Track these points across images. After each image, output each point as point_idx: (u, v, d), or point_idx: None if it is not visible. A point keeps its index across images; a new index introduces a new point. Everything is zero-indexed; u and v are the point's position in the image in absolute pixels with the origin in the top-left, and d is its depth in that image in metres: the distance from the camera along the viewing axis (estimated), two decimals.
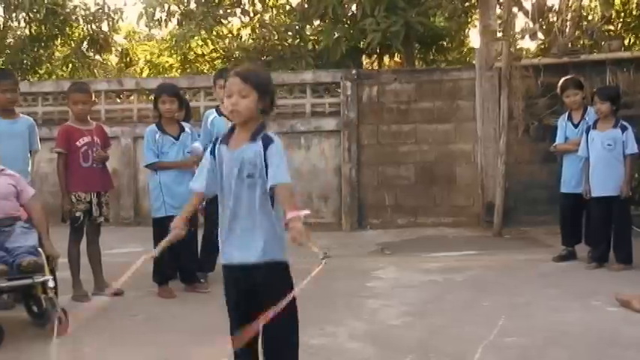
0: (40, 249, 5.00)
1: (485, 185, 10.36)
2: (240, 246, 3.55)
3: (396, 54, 14.31)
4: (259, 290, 3.54)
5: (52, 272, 5.17)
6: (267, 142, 3.50)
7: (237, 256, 3.57)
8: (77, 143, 6.20)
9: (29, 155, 6.25)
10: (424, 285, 6.59)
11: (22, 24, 16.14)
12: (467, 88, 10.62)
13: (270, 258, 3.52)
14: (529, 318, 5.31)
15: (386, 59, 14.96)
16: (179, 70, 15.52)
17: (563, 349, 4.54)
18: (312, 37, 13.88)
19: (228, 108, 3.56)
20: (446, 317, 5.40)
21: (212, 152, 3.67)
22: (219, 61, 13.88)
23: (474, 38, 17.71)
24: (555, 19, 10.89)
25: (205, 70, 14.74)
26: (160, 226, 6.12)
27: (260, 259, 3.51)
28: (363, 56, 14.48)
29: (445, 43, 14.94)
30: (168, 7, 14.36)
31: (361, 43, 12.97)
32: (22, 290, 5.20)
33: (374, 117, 10.86)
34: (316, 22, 13.92)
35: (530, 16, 10.92)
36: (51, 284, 4.91)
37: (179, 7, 14.35)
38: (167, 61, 16.46)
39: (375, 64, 14.91)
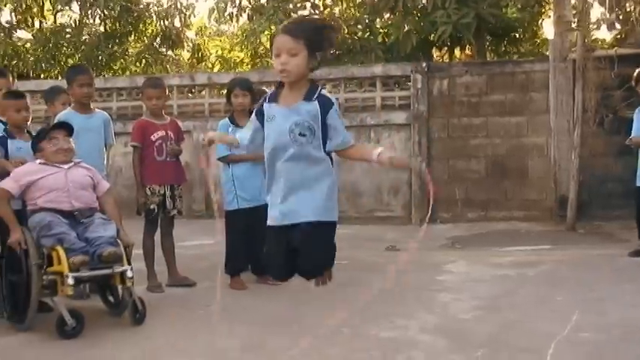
0: (117, 239, 5.10)
1: (559, 179, 10.20)
2: (288, 206, 3.46)
3: (467, 46, 14.16)
4: (305, 249, 3.46)
5: (129, 262, 5.31)
6: (325, 104, 3.40)
7: (284, 216, 3.48)
8: (152, 137, 6.32)
9: (104, 149, 6.38)
10: (495, 279, 6.52)
11: (97, 21, 16.54)
12: (540, 80, 10.47)
13: (319, 218, 3.43)
14: (603, 314, 5.20)
15: (457, 52, 14.82)
16: (249, 65, 15.65)
17: (639, 346, 4.45)
18: (382, 30, 13.85)
19: (277, 68, 3.39)
20: (518, 312, 5.33)
21: (257, 113, 3.56)
22: None
23: (548, 29, 17.43)
24: (633, 8, 10.63)
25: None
26: (233, 220, 6.22)
27: (309, 219, 3.41)
28: (434, 49, 14.38)
29: (517, 34, 14.71)
30: (239, 3, 14.53)
31: (432, 35, 12.87)
32: (99, 280, 5.35)
33: (444, 110, 10.79)
34: (386, 15, 13.87)
35: (606, 6, 10.68)
36: (129, 274, 5.00)
37: (249, 2, 14.49)
38: (238, 56, 16.65)
39: (446, 56, 14.79)
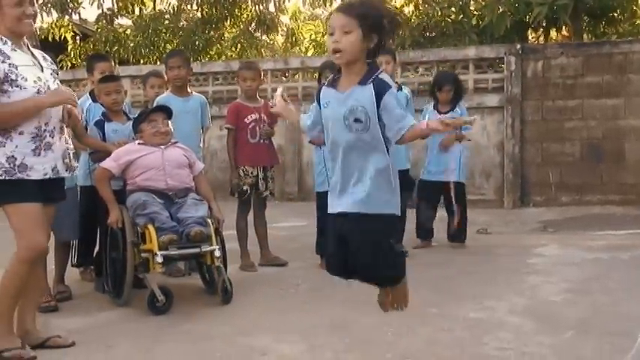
0: (208, 220, 5.27)
1: None
2: (345, 195, 3.30)
3: (563, 27, 13.85)
4: (358, 243, 3.29)
5: (222, 242, 5.47)
6: (381, 89, 3.18)
7: (340, 204, 3.32)
8: (245, 120, 6.48)
9: (201, 131, 6.58)
10: (587, 263, 6.44)
11: (195, 7, 16.85)
12: (638, 61, 10.18)
13: (369, 211, 3.24)
14: None
15: (552, 33, 14.51)
16: None
17: None
18: (475, 12, 13.68)
19: (330, 47, 3.21)
20: (609, 295, 5.27)
21: (317, 97, 3.42)
22: None
23: None
24: None
25: None
26: (323, 200, 6.33)
27: (362, 210, 3.24)
28: (529, 30, 14.12)
29: (616, 14, 14.29)
30: None
31: (527, 17, 12.64)
32: (188, 259, 5.56)
33: (538, 92, 10.62)
34: None
35: None
36: (217, 254, 5.16)
37: None
38: None
39: (541, 38, 14.51)
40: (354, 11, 3.16)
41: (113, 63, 6.96)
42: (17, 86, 3.94)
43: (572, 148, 10.49)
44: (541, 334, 4.35)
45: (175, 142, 5.62)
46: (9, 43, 4.02)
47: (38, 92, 3.99)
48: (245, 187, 6.47)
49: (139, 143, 5.50)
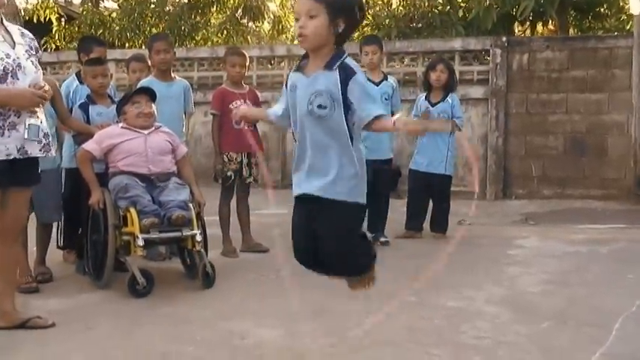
0: (190, 204, 5.27)
1: (639, 158, 9.99)
2: (310, 177, 3.26)
3: (549, 21, 13.90)
4: (321, 228, 3.27)
5: (203, 226, 5.49)
6: (346, 74, 3.09)
7: (306, 187, 3.29)
8: (231, 105, 6.47)
9: (184, 117, 6.57)
10: (567, 255, 6.50)
11: None
12: (623, 56, 10.23)
13: (337, 197, 3.21)
14: None
15: (539, 27, 14.55)
16: None
17: None
18: (462, 4, 13.70)
19: (296, 32, 3.13)
20: (587, 287, 5.32)
21: (285, 83, 3.35)
22: (368, 28, 13.93)
23: (634, 4, 16.89)
24: None
25: (354, 38, 14.83)
26: None
27: (324, 195, 3.21)
28: (515, 24, 14.15)
29: (603, 9, 14.36)
30: None
31: (513, 10, 12.68)
32: (169, 242, 5.57)
33: (523, 85, 10.66)
34: None
35: None
36: (198, 238, 5.19)
37: None
38: None
39: (528, 31, 14.55)
40: None
41: None
42: None
43: (555, 142, 10.54)
44: (518, 324, 4.39)
45: (160, 127, 5.61)
46: None
47: (4, 70, 3.87)
48: (229, 173, 6.47)
49: (122, 127, 5.48)
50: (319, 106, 3.11)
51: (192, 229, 5.18)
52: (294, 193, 3.37)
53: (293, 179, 3.41)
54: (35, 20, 15.65)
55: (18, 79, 3.95)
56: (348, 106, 3.13)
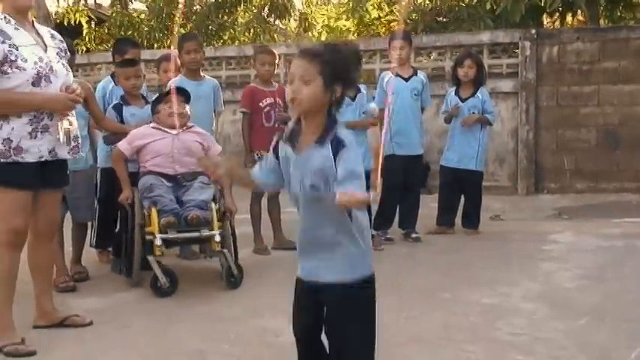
0: (210, 204, 5.24)
1: None
2: (311, 257, 2.95)
3: (579, 12, 13.74)
4: (331, 313, 2.94)
5: (232, 228, 5.48)
6: (337, 147, 2.78)
7: (307, 272, 2.98)
8: (260, 104, 6.48)
9: (213, 116, 6.58)
10: (602, 250, 6.42)
11: None
12: None
13: (345, 278, 2.87)
14: None
15: (568, 18, 14.40)
16: (355, 34, 15.67)
17: None
18: None
19: (288, 96, 2.85)
20: (624, 283, 5.26)
21: (274, 150, 3.01)
22: (395, 23, 13.88)
23: None
24: None
25: (381, 33, 14.81)
26: None
27: (333, 280, 2.88)
28: (544, 15, 14.02)
29: None
30: None
31: (542, 1, 12.55)
32: (188, 242, 5.60)
33: (553, 78, 10.53)
34: None
35: None
36: (217, 239, 5.13)
37: None
38: (344, 25, 16.66)
39: (557, 23, 14.40)
40: (315, 58, 2.81)
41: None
42: (17, 67, 3.87)
43: (587, 135, 10.40)
44: (555, 320, 4.35)
45: (191, 127, 5.62)
46: (12, 21, 3.95)
47: (38, 74, 3.91)
48: None
49: (152, 127, 5.51)
50: (311, 187, 2.83)
51: (212, 230, 5.15)
52: (298, 273, 3.04)
53: (297, 248, 3.07)
54: (66, 23, 15.78)
55: (51, 82, 3.99)
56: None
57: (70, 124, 4.13)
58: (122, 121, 5.72)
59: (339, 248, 2.88)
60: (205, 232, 5.13)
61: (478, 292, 4.99)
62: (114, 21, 16.45)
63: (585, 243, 6.73)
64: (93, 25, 16.74)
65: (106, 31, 16.55)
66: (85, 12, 16.40)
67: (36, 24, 4.16)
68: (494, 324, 4.29)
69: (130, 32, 15.97)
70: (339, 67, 2.82)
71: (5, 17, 3.95)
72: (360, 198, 2.67)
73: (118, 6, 16.88)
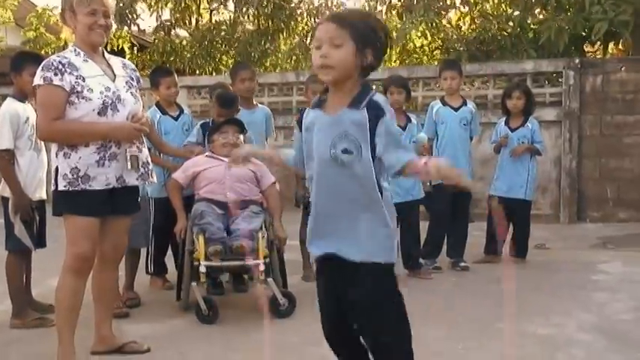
0: (258, 233, 5.21)
1: None
2: (329, 238, 2.82)
3: (621, 41, 13.68)
4: (352, 294, 2.81)
5: (280, 258, 5.51)
6: (376, 113, 2.66)
7: (326, 245, 2.84)
8: None
9: (266, 143, 6.66)
10: None
11: (251, 19, 17.02)
12: None
13: (368, 259, 2.75)
14: None
15: (611, 46, 14.34)
16: (397, 61, 15.73)
17: None
18: (533, 27, 13.59)
19: (316, 61, 2.72)
20: None
21: (299, 122, 2.93)
22: (438, 52, 13.92)
23: None
24: None
25: (424, 61, 14.85)
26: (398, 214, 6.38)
27: (352, 258, 2.77)
28: (586, 43, 13.97)
29: None
30: (389, 1, 14.61)
31: (585, 30, 12.51)
32: (233, 271, 5.63)
33: (597, 107, 10.52)
34: (537, 11, 13.58)
35: None
36: (261, 267, 5.10)
37: (399, 0, 14.55)
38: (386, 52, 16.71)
39: (599, 51, 14.35)
40: (346, 21, 2.70)
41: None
42: (83, 98, 3.96)
43: (631, 164, 10.36)
44: (613, 353, 4.33)
45: None
46: (82, 54, 4.06)
47: (104, 103, 4.00)
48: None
49: (207, 155, 5.63)
50: (344, 151, 2.68)
51: (257, 259, 5.12)
52: (313, 253, 2.94)
53: (307, 236, 2.97)
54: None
55: (118, 111, 4.07)
56: (377, 150, 2.70)
57: (140, 150, 4.20)
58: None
59: (365, 224, 2.74)
60: (250, 261, 5.09)
61: (532, 322, 4.98)
62: (156, 47, 16.67)
63: (636, 273, 6.68)
64: (135, 51, 16.98)
65: (149, 57, 16.76)
66: (128, 38, 16.63)
67: (107, 54, 4.26)
68: (553, 355, 4.28)
69: (172, 58, 16.19)
70: (370, 31, 2.72)
71: (75, 50, 4.08)
72: (456, 171, 2.56)
73: (161, 32, 17.09)
